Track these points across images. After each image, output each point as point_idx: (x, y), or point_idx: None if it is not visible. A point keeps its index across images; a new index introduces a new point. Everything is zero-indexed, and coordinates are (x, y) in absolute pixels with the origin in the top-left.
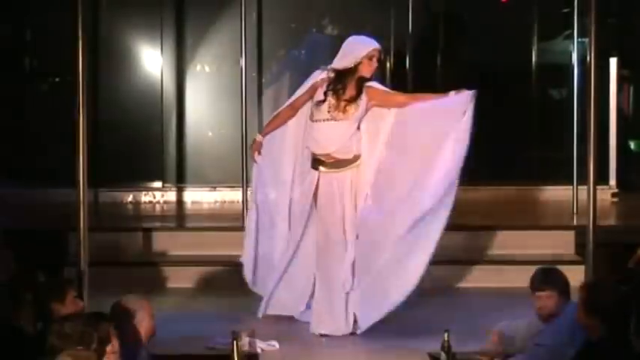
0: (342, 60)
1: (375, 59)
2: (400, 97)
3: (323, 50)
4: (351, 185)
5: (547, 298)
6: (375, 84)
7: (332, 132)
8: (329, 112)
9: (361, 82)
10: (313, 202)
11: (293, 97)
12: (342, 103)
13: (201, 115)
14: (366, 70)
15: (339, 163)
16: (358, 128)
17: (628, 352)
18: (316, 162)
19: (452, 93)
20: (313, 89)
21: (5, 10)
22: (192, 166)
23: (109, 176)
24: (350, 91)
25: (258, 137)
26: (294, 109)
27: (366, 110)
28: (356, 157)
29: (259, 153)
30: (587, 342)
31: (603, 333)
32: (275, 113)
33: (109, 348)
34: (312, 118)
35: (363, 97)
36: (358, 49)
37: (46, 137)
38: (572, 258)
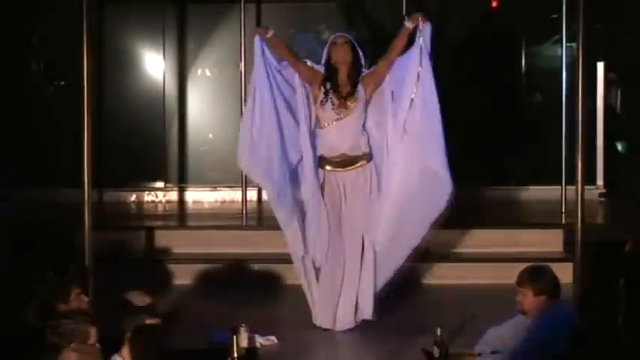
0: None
1: (340, 44)
2: (381, 64)
3: (314, 52)
4: (355, 184)
5: (522, 295)
6: (365, 71)
7: (342, 131)
8: (333, 109)
9: (352, 76)
10: (321, 199)
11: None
12: (343, 100)
13: (202, 118)
14: (335, 55)
15: (346, 162)
16: (364, 127)
17: (617, 348)
18: (323, 161)
19: (407, 24)
20: (313, 72)
21: (13, 17)
22: (193, 167)
23: (113, 176)
24: (345, 87)
25: (271, 31)
26: (294, 59)
27: (367, 101)
28: (365, 155)
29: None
30: (577, 338)
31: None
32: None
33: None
34: (319, 126)
35: (360, 88)
36: (327, 43)
37: (52, 139)
38: (560, 255)
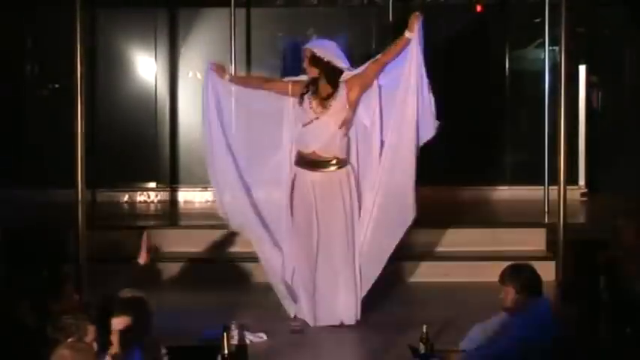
0: None
1: (306, 59)
2: (371, 68)
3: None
4: (325, 188)
5: (505, 293)
6: (349, 73)
7: (317, 130)
8: (311, 108)
9: (331, 80)
10: (290, 198)
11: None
12: (322, 100)
13: (193, 119)
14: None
15: (316, 162)
16: (346, 134)
17: (597, 346)
18: (297, 157)
19: (407, 35)
20: (295, 86)
21: (8, 21)
22: (184, 168)
23: (105, 177)
24: (325, 89)
25: (227, 75)
26: (266, 83)
27: (350, 104)
28: (336, 159)
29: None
30: (559, 336)
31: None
32: (252, 75)
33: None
34: (303, 125)
35: (341, 90)
36: None
37: (46, 140)
38: (543, 254)
